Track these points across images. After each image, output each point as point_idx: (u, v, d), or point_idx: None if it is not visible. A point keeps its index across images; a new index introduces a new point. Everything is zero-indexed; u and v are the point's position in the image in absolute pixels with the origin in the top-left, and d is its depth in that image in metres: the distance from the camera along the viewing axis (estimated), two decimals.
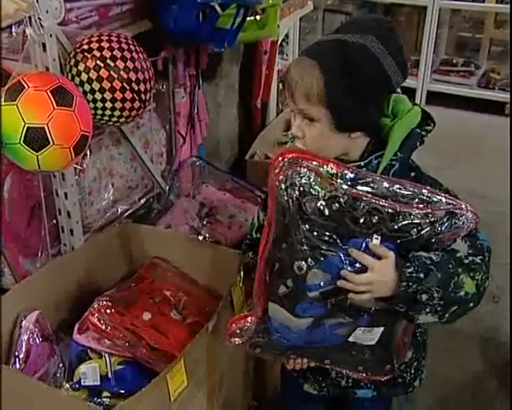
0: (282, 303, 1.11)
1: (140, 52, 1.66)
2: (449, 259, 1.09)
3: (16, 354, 1.48)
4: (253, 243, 1.42)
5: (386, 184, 1.06)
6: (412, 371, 1.41)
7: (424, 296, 1.07)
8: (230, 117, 2.70)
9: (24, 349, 1.48)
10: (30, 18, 1.48)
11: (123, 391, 1.44)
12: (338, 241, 1.05)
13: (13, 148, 1.41)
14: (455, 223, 1.06)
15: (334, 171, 1.05)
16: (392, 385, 1.38)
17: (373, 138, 1.21)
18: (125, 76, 1.59)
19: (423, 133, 1.19)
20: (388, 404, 1.54)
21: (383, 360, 1.23)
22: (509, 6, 4.12)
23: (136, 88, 1.61)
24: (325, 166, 1.05)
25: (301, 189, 1.03)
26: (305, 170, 1.03)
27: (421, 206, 1.05)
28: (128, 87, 1.60)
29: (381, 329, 1.15)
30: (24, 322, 1.52)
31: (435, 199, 1.06)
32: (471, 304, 1.13)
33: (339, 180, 1.04)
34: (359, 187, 1.04)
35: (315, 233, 1.04)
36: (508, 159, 3.30)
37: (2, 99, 1.41)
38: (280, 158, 1.05)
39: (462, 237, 1.11)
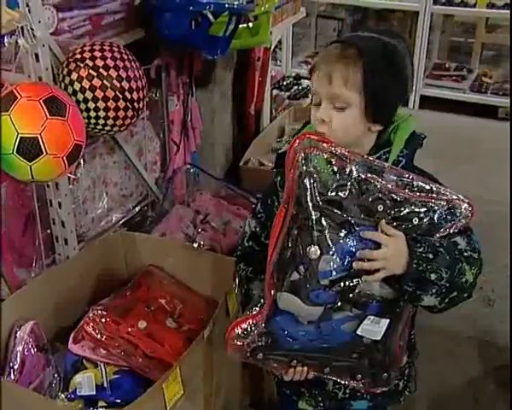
0: (295, 290, 1.10)
1: (133, 61, 1.66)
2: (453, 247, 1.15)
3: (11, 364, 1.47)
4: (244, 253, 1.41)
5: (393, 176, 1.11)
6: (405, 378, 1.41)
7: (433, 276, 1.11)
8: (224, 124, 2.70)
9: (19, 360, 1.47)
10: (22, 28, 1.48)
11: (119, 401, 1.44)
12: (349, 227, 1.08)
13: (6, 158, 1.41)
14: (453, 213, 1.12)
15: (349, 157, 1.08)
16: (387, 394, 1.37)
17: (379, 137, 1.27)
18: (118, 85, 1.59)
19: (422, 136, 1.27)
20: None
21: (381, 368, 1.23)
22: (499, 11, 4.16)
23: (129, 97, 1.62)
24: (340, 152, 1.08)
25: (320, 171, 1.06)
26: (324, 151, 1.07)
27: (423, 194, 1.11)
28: (121, 96, 1.60)
29: (387, 321, 1.15)
30: (19, 332, 1.51)
31: (435, 189, 1.12)
32: (466, 294, 1.17)
33: (352, 167, 1.08)
34: (369, 174, 1.09)
35: (327, 219, 1.06)
36: (504, 162, 3.32)
37: None
38: (299, 139, 1.09)
39: (459, 233, 1.15)
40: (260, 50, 2.67)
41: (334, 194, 1.07)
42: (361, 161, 1.10)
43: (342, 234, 1.08)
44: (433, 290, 1.12)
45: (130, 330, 1.53)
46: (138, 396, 1.29)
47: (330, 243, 1.07)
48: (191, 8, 1.76)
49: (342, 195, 1.07)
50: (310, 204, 1.06)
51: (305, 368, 1.27)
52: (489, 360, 2.35)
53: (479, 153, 3.86)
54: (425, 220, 1.11)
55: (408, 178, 1.12)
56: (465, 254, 1.16)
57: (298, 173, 1.06)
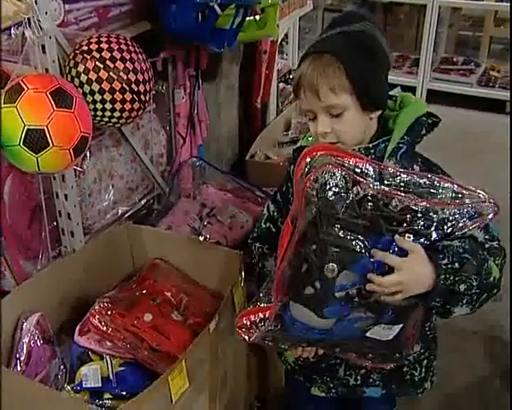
0: (308, 304, 1.08)
1: (139, 53, 1.66)
2: (476, 246, 1.09)
3: (17, 356, 1.48)
4: (261, 233, 1.45)
5: (415, 179, 1.05)
6: (422, 370, 1.40)
7: (462, 286, 1.05)
8: (230, 117, 2.69)
9: (25, 352, 1.48)
10: (29, 20, 1.48)
11: (124, 393, 1.44)
12: (369, 241, 1.02)
13: (12, 150, 1.41)
14: (478, 215, 1.05)
15: (363, 168, 1.04)
16: (401, 383, 1.37)
17: (380, 125, 1.27)
18: (125, 77, 1.59)
19: (429, 121, 1.24)
20: (394, 407, 1.53)
21: (393, 351, 1.21)
22: (508, 4, 4.12)
23: (135, 89, 1.61)
24: (354, 163, 1.04)
25: (333, 189, 1.02)
26: (336, 169, 1.02)
27: (450, 201, 1.04)
28: (128, 88, 1.59)
29: (401, 326, 1.13)
30: (25, 324, 1.51)
31: (460, 192, 1.06)
32: (495, 290, 1.13)
33: (369, 179, 1.03)
34: (389, 185, 1.03)
35: (346, 234, 1.02)
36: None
37: (2, 101, 1.41)
38: (310, 155, 1.05)
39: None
40: (267, 43, 2.66)
41: (350, 210, 1.02)
42: (374, 168, 1.05)
43: (362, 247, 1.02)
44: (464, 301, 1.07)
45: (135, 322, 1.53)
46: (144, 389, 1.29)
47: (349, 258, 1.02)
48: (198, 0, 1.75)
49: (359, 210, 1.02)
50: (324, 222, 1.02)
51: (314, 348, 1.28)
52: (495, 355, 2.34)
53: (486, 147, 3.84)
54: (455, 227, 1.04)
55: (433, 183, 1.05)
56: (486, 246, 1.12)
57: (309, 196, 1.02)
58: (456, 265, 1.05)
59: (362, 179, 1.03)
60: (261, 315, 1.19)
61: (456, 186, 1.07)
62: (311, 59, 1.20)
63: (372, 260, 1.03)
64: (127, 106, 1.61)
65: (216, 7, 1.75)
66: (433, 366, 1.43)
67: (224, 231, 2.00)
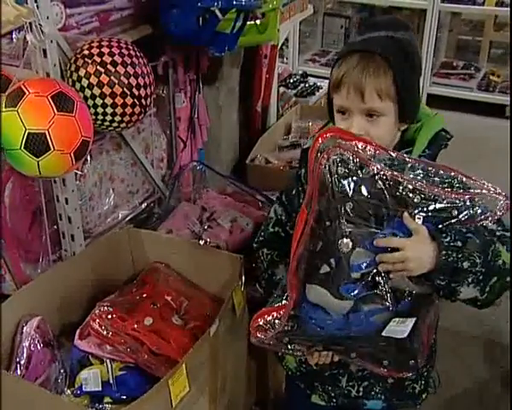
0: (325, 284, 1.09)
1: (140, 57, 1.66)
2: (483, 229, 1.10)
3: (17, 360, 1.48)
4: (269, 238, 1.41)
5: (423, 168, 1.08)
6: (423, 382, 1.40)
7: (466, 264, 1.06)
8: (231, 121, 2.69)
9: (25, 355, 1.48)
10: (30, 24, 1.48)
11: (124, 397, 1.44)
12: (381, 221, 1.06)
13: (13, 153, 1.42)
14: (489, 208, 1.07)
15: (373, 152, 1.07)
16: (402, 396, 1.37)
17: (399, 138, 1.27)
18: (126, 81, 1.59)
19: (448, 136, 1.26)
20: None
21: (408, 354, 1.21)
22: (508, 9, 4.13)
23: (136, 93, 1.62)
24: (365, 147, 1.07)
25: (344, 168, 1.05)
26: (347, 150, 1.05)
27: (460, 192, 1.07)
28: (128, 92, 1.60)
29: (414, 320, 1.13)
30: (25, 328, 1.52)
31: (471, 184, 1.09)
32: (508, 278, 1.12)
33: (380, 162, 1.06)
34: (398, 172, 1.06)
35: (359, 212, 1.05)
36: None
37: (3, 105, 1.41)
38: (322, 137, 1.07)
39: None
40: (267, 48, 2.66)
41: (361, 188, 1.05)
42: (386, 154, 1.08)
43: (375, 227, 1.06)
44: (469, 279, 1.08)
45: (136, 326, 1.53)
46: (144, 393, 1.29)
47: (362, 235, 1.05)
48: (199, 4, 1.75)
49: (371, 189, 1.05)
50: (338, 199, 1.05)
51: (330, 352, 1.27)
52: (494, 359, 2.34)
53: (486, 152, 3.84)
54: (462, 215, 1.06)
55: (443, 175, 1.08)
56: (497, 233, 1.11)
57: (321, 174, 1.05)
58: (459, 243, 1.06)
59: (372, 161, 1.06)
60: (276, 314, 1.18)
61: (466, 178, 1.09)
62: (359, 57, 1.17)
63: (383, 235, 1.06)
64: (128, 110, 1.62)
65: (217, 11, 1.76)
66: (430, 377, 1.43)
67: (224, 234, 2.00)
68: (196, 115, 2.32)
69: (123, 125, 1.66)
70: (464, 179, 1.09)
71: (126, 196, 2.08)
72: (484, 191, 1.08)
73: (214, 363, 1.52)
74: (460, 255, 1.06)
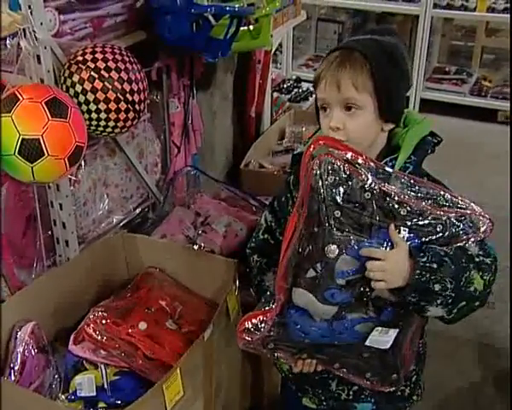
0: (310, 288, 1.11)
1: (134, 63, 1.67)
2: (461, 254, 1.11)
3: (11, 365, 1.48)
4: (259, 245, 1.43)
5: (409, 183, 1.11)
6: (412, 385, 1.41)
7: (437, 286, 1.08)
8: (225, 126, 2.70)
9: (19, 361, 1.48)
10: (24, 30, 1.49)
11: (119, 402, 1.44)
12: (368, 230, 1.08)
13: (7, 159, 1.42)
14: (472, 227, 1.11)
15: (363, 163, 1.10)
16: (391, 399, 1.37)
17: (386, 143, 1.28)
18: (119, 87, 1.60)
19: (435, 141, 1.27)
20: None
21: (391, 368, 1.23)
22: (499, 15, 4.17)
23: (130, 99, 1.62)
24: (356, 157, 1.10)
25: (335, 176, 1.07)
26: (338, 159, 1.08)
27: (445, 208, 1.10)
28: (122, 98, 1.60)
29: (397, 331, 1.15)
30: (19, 333, 1.51)
31: (454, 202, 1.11)
32: (477, 303, 1.14)
33: (369, 173, 1.09)
34: (387, 184, 1.09)
35: (347, 220, 1.07)
36: (503, 165, 3.33)
37: None
38: (314, 145, 1.10)
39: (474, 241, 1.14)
40: (261, 53, 2.67)
41: (350, 197, 1.08)
42: (376, 168, 1.11)
43: (361, 236, 1.08)
44: (438, 301, 1.10)
45: (130, 331, 1.54)
46: (138, 397, 1.29)
47: (349, 243, 1.08)
48: (192, 10, 1.76)
49: (359, 199, 1.08)
50: (327, 206, 1.07)
51: (314, 361, 1.28)
52: (489, 363, 2.35)
53: (478, 156, 3.87)
54: (447, 232, 1.09)
55: (430, 190, 1.11)
56: (476, 259, 1.13)
57: (313, 179, 1.08)
58: (434, 265, 1.08)
59: (360, 172, 1.08)
60: (262, 317, 1.20)
61: (451, 196, 1.12)
62: (339, 53, 1.21)
63: (368, 244, 1.09)
64: (122, 115, 1.62)
65: (210, 17, 1.77)
66: (420, 380, 1.44)
67: (218, 239, 2.01)
68: (190, 121, 2.32)
69: (117, 130, 1.66)
70: (450, 197, 1.12)
71: (120, 202, 2.08)
72: (468, 211, 1.11)
73: (209, 367, 1.52)
74: (433, 277, 1.08)
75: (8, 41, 1.53)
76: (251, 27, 2.20)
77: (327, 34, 5.11)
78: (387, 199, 1.08)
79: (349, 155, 1.09)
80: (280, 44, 3.92)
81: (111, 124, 1.62)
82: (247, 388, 1.85)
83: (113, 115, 1.61)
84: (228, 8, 1.81)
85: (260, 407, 1.95)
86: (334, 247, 1.08)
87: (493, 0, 4.21)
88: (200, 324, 1.65)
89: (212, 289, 1.78)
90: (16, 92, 1.42)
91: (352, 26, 5.06)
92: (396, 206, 1.08)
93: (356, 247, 1.08)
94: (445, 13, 4.42)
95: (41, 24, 1.51)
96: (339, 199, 1.07)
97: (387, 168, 1.13)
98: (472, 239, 1.12)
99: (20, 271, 1.74)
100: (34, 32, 1.50)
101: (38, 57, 1.54)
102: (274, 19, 2.64)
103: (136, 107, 1.65)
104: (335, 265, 1.08)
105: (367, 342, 1.15)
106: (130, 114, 1.64)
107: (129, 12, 1.88)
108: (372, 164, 1.11)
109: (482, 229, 1.12)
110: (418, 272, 1.07)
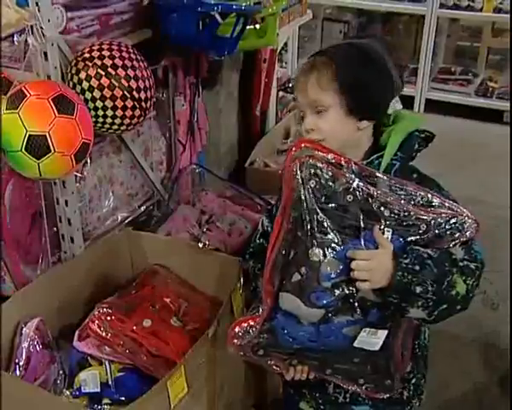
0: (296, 291, 1.12)
1: (140, 60, 1.67)
2: (445, 258, 1.12)
3: (17, 361, 1.49)
4: (256, 250, 1.44)
5: (392, 185, 1.11)
6: (411, 388, 1.40)
7: (418, 288, 1.09)
8: (230, 125, 2.70)
9: (24, 356, 1.49)
10: (32, 27, 1.50)
11: (123, 398, 1.45)
12: (352, 232, 1.09)
13: (14, 155, 1.42)
14: (458, 228, 1.10)
15: (345, 165, 1.10)
16: (389, 402, 1.35)
17: (373, 141, 1.28)
18: (126, 84, 1.60)
19: (423, 136, 1.26)
20: None
21: (383, 374, 1.22)
22: (506, 15, 4.15)
23: (136, 96, 1.63)
24: (338, 160, 1.11)
25: (317, 178, 1.08)
26: (320, 161, 1.09)
27: (428, 209, 1.10)
28: (129, 95, 1.61)
29: (385, 332, 1.15)
30: (24, 329, 1.52)
31: (438, 204, 1.11)
32: (458, 306, 1.15)
33: (352, 175, 1.10)
34: (370, 186, 1.10)
35: (331, 222, 1.08)
36: (507, 166, 3.32)
37: (4, 107, 1.42)
38: (296, 147, 1.11)
39: (459, 243, 1.13)
40: (267, 52, 2.67)
41: (332, 200, 1.09)
42: (359, 169, 1.12)
43: (345, 238, 1.09)
44: (419, 303, 1.10)
45: (135, 328, 1.54)
46: (143, 394, 1.29)
47: (333, 245, 1.09)
48: (199, 8, 1.76)
49: (342, 201, 1.08)
50: (309, 209, 1.08)
51: (306, 368, 1.28)
52: (492, 362, 2.35)
53: (483, 157, 3.86)
54: (430, 233, 1.10)
55: (412, 191, 1.11)
56: (460, 264, 1.13)
57: (294, 182, 1.09)
58: (417, 267, 1.09)
59: (343, 173, 1.09)
60: (252, 322, 1.20)
61: (436, 198, 1.12)
62: (311, 58, 1.26)
63: (353, 246, 1.09)
64: (128, 113, 1.63)
65: (217, 15, 1.77)
66: (421, 384, 1.43)
67: (223, 237, 2.01)
68: (196, 119, 2.33)
69: (123, 127, 1.67)
70: (433, 198, 1.12)
71: (126, 199, 2.09)
72: (452, 212, 1.11)
73: (212, 365, 1.52)
74: (415, 279, 1.09)
75: (15, 38, 1.54)
76: (257, 26, 2.21)
77: (332, 34, 5.10)
78: (370, 200, 1.09)
79: (331, 156, 1.10)
80: (285, 44, 3.90)
81: (117, 121, 1.63)
82: (250, 386, 1.85)
83: (119, 112, 1.61)
84: (235, 7, 1.81)
85: (263, 405, 1.95)
86: (317, 250, 1.08)
87: (500, 0, 4.19)
88: (204, 321, 1.65)
89: (217, 287, 1.79)
90: (23, 89, 1.43)
91: (358, 25, 5.05)
92: (379, 207, 1.09)
93: (340, 249, 1.09)
94: (451, 13, 4.41)
95: (48, 21, 1.52)
96: (321, 202, 1.08)
97: (370, 169, 1.14)
98: (457, 241, 1.12)
99: (25, 267, 1.75)
100: (41, 28, 1.50)
101: (46, 54, 1.54)
102: (280, 18, 2.64)
103: (143, 104, 1.66)
104: (320, 268, 1.09)
105: (355, 344, 1.15)
106: (137, 112, 1.65)
107: (135, 10, 1.89)
108: (354, 166, 1.12)
109: (468, 230, 1.11)
110: (400, 273, 1.08)
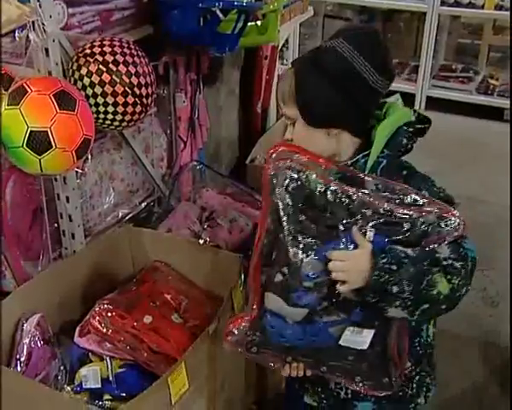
0: (278, 291, 1.14)
1: (142, 57, 1.67)
2: (425, 257, 1.10)
3: (18, 356, 1.49)
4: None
5: (373, 184, 1.12)
6: (414, 386, 1.39)
7: (395, 288, 1.08)
8: (231, 122, 2.70)
9: (25, 352, 1.49)
10: (33, 23, 1.49)
11: (124, 394, 1.45)
12: (334, 232, 1.10)
13: (16, 151, 1.42)
14: (442, 227, 1.09)
15: (324, 166, 1.13)
16: (392, 398, 1.34)
17: (362, 139, 1.26)
18: (127, 80, 1.60)
19: (411, 129, 1.24)
20: None
21: (380, 372, 1.22)
22: (507, 13, 4.14)
23: (137, 92, 1.62)
24: (316, 161, 1.13)
25: (293, 180, 1.10)
26: (297, 163, 1.11)
27: (411, 208, 1.09)
28: (130, 91, 1.61)
29: (372, 331, 1.16)
30: (25, 325, 1.52)
31: (422, 202, 1.11)
32: (443, 306, 1.13)
33: (330, 176, 1.12)
34: (350, 187, 1.10)
35: (310, 224, 1.10)
36: (508, 165, 3.31)
37: (6, 103, 1.42)
38: (273, 150, 1.14)
39: (447, 242, 1.11)
40: (268, 49, 2.67)
41: (311, 201, 1.10)
42: (335, 168, 1.13)
43: (326, 239, 1.10)
44: (397, 303, 1.09)
45: (135, 324, 1.54)
46: (143, 390, 1.30)
47: (313, 246, 1.10)
48: (200, 5, 1.76)
49: (321, 202, 1.10)
50: (288, 210, 1.10)
51: (301, 365, 1.28)
52: (492, 361, 2.35)
53: (484, 154, 3.86)
54: (413, 231, 1.09)
55: (397, 190, 1.11)
56: (444, 262, 1.10)
57: (272, 185, 1.11)
58: (394, 267, 1.08)
59: (320, 175, 1.11)
60: (245, 320, 1.22)
61: (421, 197, 1.11)
62: (288, 68, 1.29)
63: (333, 246, 1.10)
64: (129, 109, 1.63)
65: (218, 12, 1.77)
66: (426, 382, 1.41)
67: (223, 234, 2.01)
68: (197, 115, 2.33)
69: (124, 124, 1.66)
70: (418, 197, 1.11)
71: (126, 195, 2.09)
72: (437, 210, 1.10)
73: (213, 361, 1.52)
74: (391, 279, 1.08)
75: (16, 33, 1.53)
76: (258, 23, 2.21)
77: (333, 31, 5.08)
78: (349, 201, 1.09)
79: (308, 158, 1.12)
80: (286, 40, 3.90)
81: (118, 117, 1.63)
82: (251, 383, 1.85)
83: (120, 109, 1.61)
84: (236, 3, 1.81)
85: (264, 401, 1.95)
86: (297, 250, 1.09)
87: None
88: (205, 318, 1.65)
89: (218, 284, 1.79)
90: (25, 85, 1.43)
91: (359, 23, 5.04)
92: (360, 207, 1.09)
93: (320, 249, 1.10)
94: (452, 10, 4.40)
95: (50, 17, 1.51)
96: (301, 203, 1.10)
97: (351, 170, 1.16)
98: (443, 239, 1.10)
99: (26, 263, 1.75)
100: (43, 24, 1.50)
101: (47, 50, 1.54)
102: (281, 14, 2.63)
103: (144, 100, 1.65)
104: (301, 268, 1.10)
105: (341, 342, 1.16)
106: (138, 108, 1.65)
107: (136, 6, 1.88)
108: (334, 166, 1.13)
109: (454, 229, 1.10)
110: (377, 273, 1.07)
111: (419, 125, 1.25)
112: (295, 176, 1.10)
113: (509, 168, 3.26)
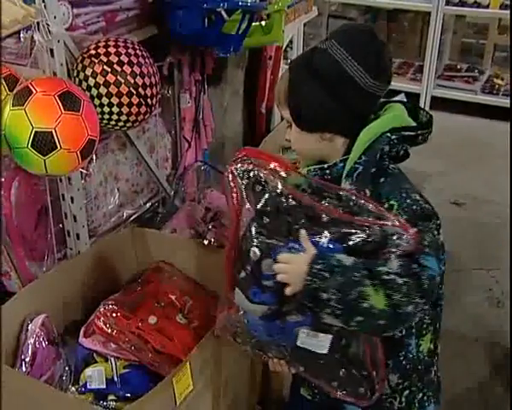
0: (241, 287, 1.19)
1: (146, 57, 1.67)
2: (361, 268, 1.07)
3: (22, 357, 1.49)
4: None
5: (335, 192, 1.16)
6: (402, 400, 1.35)
7: (324, 295, 1.07)
8: (235, 122, 2.70)
9: (30, 353, 1.49)
10: (38, 24, 1.50)
11: (129, 395, 1.45)
12: (293, 235, 1.14)
13: (20, 152, 1.43)
14: (394, 240, 1.09)
15: (283, 173, 1.17)
16: (378, 408, 1.32)
17: (350, 143, 1.25)
18: (132, 81, 1.60)
19: (395, 136, 1.19)
20: None
21: (356, 381, 1.23)
22: None
23: (142, 93, 1.62)
24: (275, 167, 1.17)
25: (255, 184, 1.16)
26: (260, 168, 1.17)
27: (368, 219, 1.11)
28: (135, 92, 1.61)
29: (329, 336, 1.17)
30: (30, 325, 1.53)
31: (381, 215, 1.11)
32: (381, 321, 1.08)
33: (278, 181, 1.16)
34: (305, 194, 1.16)
35: (269, 225, 1.15)
36: None
37: (11, 103, 1.42)
38: (237, 155, 1.20)
39: (401, 256, 1.08)
40: (272, 49, 2.67)
41: (269, 204, 1.15)
42: (294, 175, 1.18)
43: (283, 240, 1.14)
44: (328, 310, 1.08)
45: (140, 325, 1.54)
46: (148, 391, 1.30)
47: (271, 247, 1.14)
48: (205, 5, 1.76)
49: (276, 205, 1.15)
50: (245, 212, 1.17)
51: (282, 361, 1.29)
52: (497, 361, 2.34)
53: (489, 154, 3.85)
54: (370, 240, 1.09)
55: (351, 200, 1.13)
56: (384, 277, 1.06)
57: (228, 188, 1.18)
58: (326, 274, 1.07)
59: (282, 180, 1.16)
60: (227, 311, 1.29)
61: (376, 209, 1.11)
62: (287, 69, 1.29)
63: (286, 248, 1.14)
64: (134, 109, 1.63)
65: (222, 12, 1.77)
66: (417, 399, 1.37)
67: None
68: (201, 116, 2.33)
69: (129, 124, 1.67)
70: (374, 209, 1.12)
71: (131, 196, 2.09)
72: (390, 223, 1.09)
73: (218, 362, 1.52)
74: (322, 286, 1.07)
75: (21, 34, 1.54)
76: (263, 23, 2.20)
77: None
78: (304, 206, 1.14)
79: (272, 165, 1.16)
80: (291, 41, 3.89)
81: (123, 118, 1.63)
82: (255, 383, 1.85)
83: (125, 109, 1.61)
84: (240, 3, 1.81)
85: (268, 402, 1.95)
86: (256, 250, 1.14)
87: None
88: (209, 319, 1.65)
89: (222, 284, 1.78)
90: (29, 85, 1.43)
91: (364, 22, 5.04)
92: (316, 213, 1.13)
93: (275, 251, 1.13)
94: (456, 10, 4.38)
95: (54, 17, 1.51)
96: (261, 205, 1.15)
97: (313, 178, 1.21)
98: (393, 253, 1.08)
99: (31, 263, 1.75)
100: (48, 25, 1.50)
101: (52, 51, 1.54)
102: (286, 14, 2.63)
103: (149, 101, 1.66)
104: (261, 267, 1.14)
105: (298, 343, 1.19)
106: (142, 109, 1.65)
107: (141, 6, 1.88)
108: (297, 174, 1.18)
109: (404, 244, 1.08)
110: (309, 278, 1.08)
111: (408, 133, 1.20)
112: (251, 180, 1.16)
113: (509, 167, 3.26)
